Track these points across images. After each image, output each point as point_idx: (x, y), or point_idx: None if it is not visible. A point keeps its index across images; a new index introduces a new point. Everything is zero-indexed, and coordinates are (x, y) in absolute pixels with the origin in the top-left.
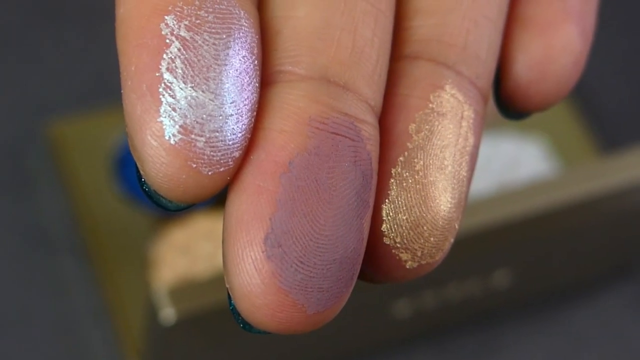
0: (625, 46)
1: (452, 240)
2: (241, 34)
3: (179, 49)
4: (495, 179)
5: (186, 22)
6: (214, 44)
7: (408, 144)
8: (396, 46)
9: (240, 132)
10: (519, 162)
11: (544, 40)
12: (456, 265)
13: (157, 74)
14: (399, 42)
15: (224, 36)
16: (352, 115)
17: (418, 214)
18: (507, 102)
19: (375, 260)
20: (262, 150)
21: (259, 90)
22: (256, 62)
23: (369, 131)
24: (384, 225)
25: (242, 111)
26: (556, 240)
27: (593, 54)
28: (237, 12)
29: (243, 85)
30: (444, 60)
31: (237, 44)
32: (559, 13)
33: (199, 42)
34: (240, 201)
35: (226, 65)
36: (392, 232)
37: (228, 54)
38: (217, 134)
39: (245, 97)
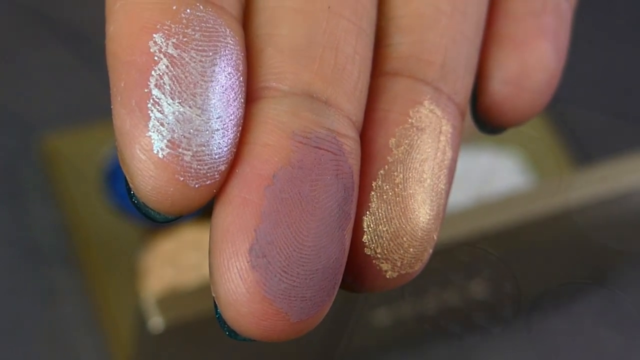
0: (598, 61)
1: (430, 251)
2: (227, 51)
3: (167, 66)
4: (472, 192)
5: (174, 40)
6: (200, 61)
7: (388, 157)
8: (377, 63)
9: (226, 147)
10: (494, 175)
11: (519, 56)
12: (434, 275)
13: (145, 90)
14: (379, 58)
15: (210, 53)
16: (334, 130)
17: (398, 225)
18: (484, 117)
19: (356, 269)
20: (247, 164)
21: (244, 105)
22: (241, 78)
23: (351, 145)
24: (364, 237)
25: (227, 126)
26: (530, 251)
27: (567, 69)
28: (223, 30)
29: (229, 100)
30: (423, 77)
31: (223, 61)
32: (533, 30)
33: (186, 59)
34: (226, 213)
35: (212, 81)
36: (372, 243)
37: (214, 70)
38: (204, 148)
39: (231, 112)
